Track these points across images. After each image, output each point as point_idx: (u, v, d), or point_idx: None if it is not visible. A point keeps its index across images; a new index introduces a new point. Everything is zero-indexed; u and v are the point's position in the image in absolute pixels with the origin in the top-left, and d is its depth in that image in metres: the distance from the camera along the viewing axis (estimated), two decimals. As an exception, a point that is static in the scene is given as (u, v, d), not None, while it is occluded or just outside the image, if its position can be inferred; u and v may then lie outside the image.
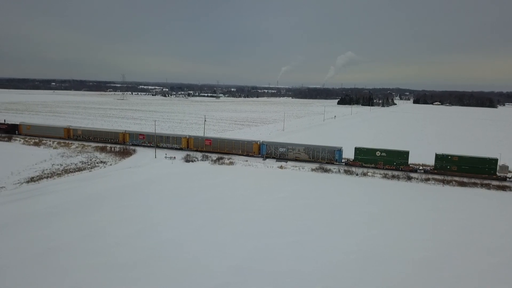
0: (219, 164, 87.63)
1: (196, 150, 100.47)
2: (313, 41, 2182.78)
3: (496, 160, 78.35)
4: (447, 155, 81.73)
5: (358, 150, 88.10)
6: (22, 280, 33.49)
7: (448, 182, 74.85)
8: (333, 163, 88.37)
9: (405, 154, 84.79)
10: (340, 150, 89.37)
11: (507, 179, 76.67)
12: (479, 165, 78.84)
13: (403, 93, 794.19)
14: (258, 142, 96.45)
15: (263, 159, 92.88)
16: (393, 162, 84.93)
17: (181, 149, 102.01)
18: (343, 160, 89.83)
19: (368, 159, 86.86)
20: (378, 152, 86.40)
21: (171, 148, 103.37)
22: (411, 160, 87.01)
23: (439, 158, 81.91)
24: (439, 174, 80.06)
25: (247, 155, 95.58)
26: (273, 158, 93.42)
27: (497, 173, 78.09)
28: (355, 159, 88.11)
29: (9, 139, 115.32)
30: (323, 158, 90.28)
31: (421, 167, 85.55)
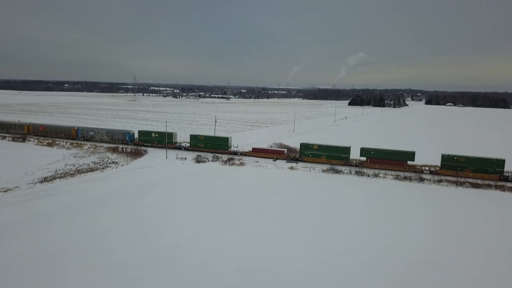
0: (229, 164, 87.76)
1: (34, 135, 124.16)
2: (323, 42, 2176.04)
3: (227, 139, 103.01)
4: (197, 135, 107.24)
5: (140, 133, 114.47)
6: (32, 279, 33.89)
7: (461, 184, 73.90)
8: (126, 144, 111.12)
9: (171, 135, 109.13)
10: (129, 133, 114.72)
11: (238, 153, 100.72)
12: (218, 143, 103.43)
13: (415, 94, 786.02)
14: (76, 128, 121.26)
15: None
16: (163, 141, 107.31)
17: (24, 134, 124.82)
18: (136, 140, 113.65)
19: (147, 139, 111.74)
20: (153, 133, 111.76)
21: (18, 133, 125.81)
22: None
23: (192, 138, 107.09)
24: (192, 150, 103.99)
25: (69, 138, 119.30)
26: (86, 140, 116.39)
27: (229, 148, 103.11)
28: (139, 139, 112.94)
29: (23, 140, 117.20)
30: (118, 139, 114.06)
31: (184, 143, 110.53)
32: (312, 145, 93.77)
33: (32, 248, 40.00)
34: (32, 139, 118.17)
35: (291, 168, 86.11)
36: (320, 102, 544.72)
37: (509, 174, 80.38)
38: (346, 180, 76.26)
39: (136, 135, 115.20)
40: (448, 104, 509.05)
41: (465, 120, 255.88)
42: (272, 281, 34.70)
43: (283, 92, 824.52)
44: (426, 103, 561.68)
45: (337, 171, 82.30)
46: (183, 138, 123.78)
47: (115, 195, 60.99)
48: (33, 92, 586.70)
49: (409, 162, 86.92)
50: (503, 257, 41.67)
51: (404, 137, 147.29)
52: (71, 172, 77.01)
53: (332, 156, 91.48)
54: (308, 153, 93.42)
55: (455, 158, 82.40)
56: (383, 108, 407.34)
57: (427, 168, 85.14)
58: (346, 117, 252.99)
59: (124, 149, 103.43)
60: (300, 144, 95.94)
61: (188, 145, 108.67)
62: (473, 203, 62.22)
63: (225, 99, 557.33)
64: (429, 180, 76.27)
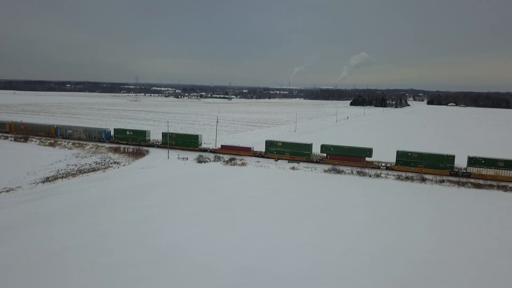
0: (231, 165, 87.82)
1: (16, 133, 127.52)
2: (323, 42, 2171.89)
3: (197, 137, 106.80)
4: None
5: (116, 131, 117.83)
6: (32, 279, 34.00)
7: (463, 184, 73.77)
8: (103, 142, 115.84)
9: (144, 133, 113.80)
10: (105, 131, 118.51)
11: (208, 150, 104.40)
12: (188, 140, 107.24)
13: (416, 94, 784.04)
14: (55, 126, 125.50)
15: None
16: (137, 139, 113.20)
17: (6, 132, 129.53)
18: (112, 138, 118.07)
19: (122, 137, 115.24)
20: (128, 132, 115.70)
21: (1, 132, 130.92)
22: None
23: (164, 135, 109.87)
24: (164, 147, 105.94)
25: (49, 136, 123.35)
26: (65, 138, 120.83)
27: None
28: (115, 137, 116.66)
29: (25, 140, 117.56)
30: (95, 137, 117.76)
31: (157, 142, 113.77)
32: (277, 142, 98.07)
33: (32, 248, 40.13)
34: (34, 139, 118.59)
35: (293, 168, 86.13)
36: (322, 102, 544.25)
37: (459, 169, 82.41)
38: (348, 180, 76.21)
39: (113, 133, 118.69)
40: (450, 104, 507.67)
41: (466, 120, 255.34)
42: (272, 281, 34.72)
43: (284, 92, 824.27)
44: (428, 103, 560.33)
45: (338, 171, 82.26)
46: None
47: (116, 195, 61.12)
48: (35, 92, 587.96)
49: (367, 159, 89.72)
50: (503, 257, 41.61)
51: (404, 137, 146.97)
52: (73, 172, 77.19)
53: (295, 153, 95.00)
54: (273, 150, 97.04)
55: (409, 154, 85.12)
56: (385, 108, 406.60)
57: (383, 164, 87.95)
58: (348, 117, 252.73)
59: (126, 149, 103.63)
60: (266, 141, 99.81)
61: (161, 142, 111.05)
62: (474, 203, 62.11)
63: (226, 99, 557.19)
64: (431, 181, 76.19)
